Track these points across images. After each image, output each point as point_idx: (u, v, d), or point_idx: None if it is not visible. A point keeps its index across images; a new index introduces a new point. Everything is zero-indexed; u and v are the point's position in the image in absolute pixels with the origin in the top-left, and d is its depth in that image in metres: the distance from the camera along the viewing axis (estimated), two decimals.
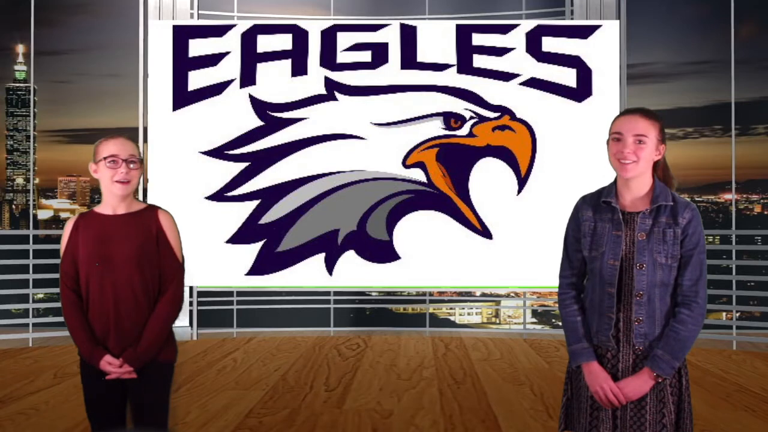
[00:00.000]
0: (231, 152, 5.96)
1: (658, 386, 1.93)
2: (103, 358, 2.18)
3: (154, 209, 2.33)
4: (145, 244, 2.24)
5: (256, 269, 5.94)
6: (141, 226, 2.26)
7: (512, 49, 5.98)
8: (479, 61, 5.99)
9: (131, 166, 2.23)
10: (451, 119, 5.94)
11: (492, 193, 5.93)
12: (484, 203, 5.93)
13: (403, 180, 5.96)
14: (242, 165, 5.95)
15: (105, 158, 2.21)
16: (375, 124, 5.97)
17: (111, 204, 2.27)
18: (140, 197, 6.20)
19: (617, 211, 1.98)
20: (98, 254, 2.20)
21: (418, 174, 5.96)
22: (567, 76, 5.90)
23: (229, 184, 5.95)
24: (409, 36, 6.04)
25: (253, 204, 5.93)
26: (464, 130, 5.94)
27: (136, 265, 2.21)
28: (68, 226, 2.28)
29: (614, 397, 1.93)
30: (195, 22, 6.65)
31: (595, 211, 2.03)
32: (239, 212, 5.94)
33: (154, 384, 2.27)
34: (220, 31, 6.09)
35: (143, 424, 2.25)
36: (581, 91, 5.87)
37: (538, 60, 5.94)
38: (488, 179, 5.93)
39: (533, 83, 5.93)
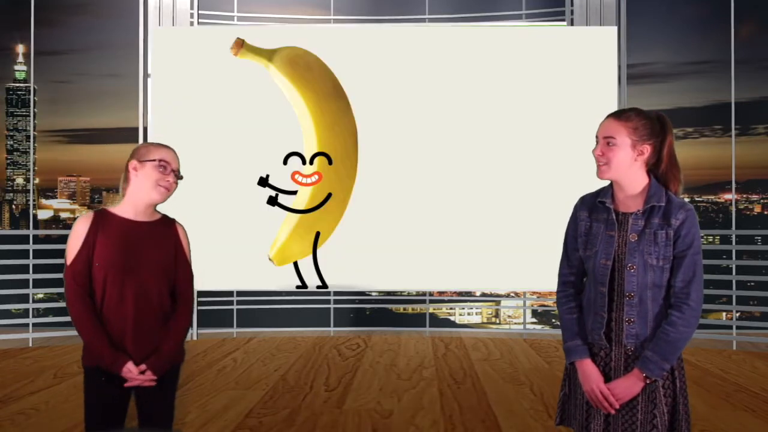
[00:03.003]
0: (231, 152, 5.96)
1: (650, 387, 1.93)
2: (125, 365, 2.14)
3: (171, 221, 2.34)
4: (166, 254, 2.25)
5: (256, 269, 5.93)
6: (162, 236, 2.26)
7: (512, 50, 5.97)
8: (478, 61, 5.99)
9: (176, 178, 2.26)
10: None
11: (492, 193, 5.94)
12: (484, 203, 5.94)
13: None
14: (242, 165, 5.94)
15: (158, 160, 2.20)
16: None
17: (135, 208, 2.23)
18: None
19: (611, 211, 1.99)
20: (124, 259, 2.16)
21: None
22: (567, 78, 5.90)
23: (229, 184, 5.94)
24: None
25: (253, 204, 5.92)
26: None
27: (159, 274, 2.22)
28: (83, 224, 2.17)
29: (604, 398, 1.94)
30: (197, 27, 6.65)
31: (591, 212, 2.04)
32: (239, 212, 5.93)
33: (166, 387, 2.27)
34: (222, 33, 6.08)
35: (153, 425, 2.24)
36: (581, 92, 5.87)
37: (538, 61, 5.94)
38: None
39: (534, 84, 5.92)
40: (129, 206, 2.23)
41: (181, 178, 2.28)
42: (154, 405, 2.26)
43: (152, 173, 2.20)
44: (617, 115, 1.99)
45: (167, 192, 2.23)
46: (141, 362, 2.17)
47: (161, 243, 2.25)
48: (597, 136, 2.01)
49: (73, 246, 2.16)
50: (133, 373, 2.14)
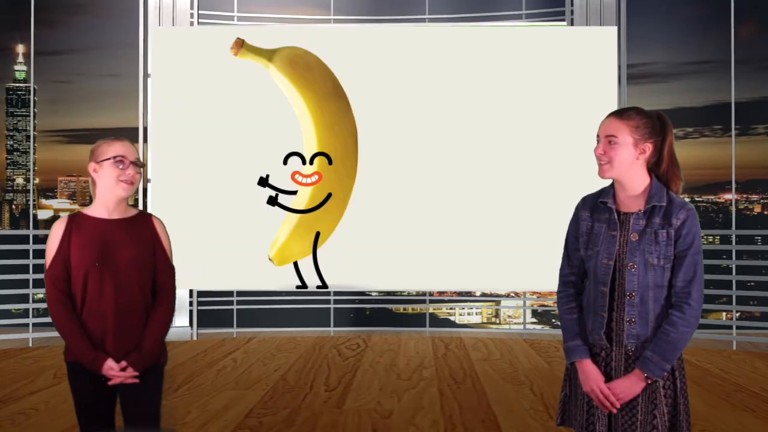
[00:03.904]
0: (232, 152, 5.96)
1: (651, 387, 1.93)
2: (105, 363, 2.17)
3: (147, 216, 2.35)
4: (144, 249, 2.26)
5: (256, 269, 5.93)
6: (139, 232, 2.27)
7: (512, 50, 5.97)
8: (478, 61, 5.99)
9: (136, 168, 2.25)
10: None
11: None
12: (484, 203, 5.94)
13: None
14: (242, 165, 5.94)
15: (113, 158, 2.21)
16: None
17: (107, 207, 2.25)
18: (140, 198, 6.21)
19: (613, 211, 1.99)
20: (99, 257, 2.19)
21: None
22: (567, 78, 5.90)
23: (229, 184, 5.94)
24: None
25: (253, 204, 5.92)
26: None
27: (138, 269, 2.23)
28: (58, 229, 2.23)
29: (605, 398, 1.94)
30: (197, 27, 6.65)
31: (593, 212, 2.04)
32: (240, 212, 5.93)
33: (150, 386, 2.27)
34: (222, 33, 6.08)
35: (137, 425, 2.25)
36: (581, 92, 5.87)
37: (538, 61, 5.93)
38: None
39: (534, 84, 5.92)
40: (100, 206, 2.26)
41: (142, 166, 2.29)
42: (138, 405, 2.27)
43: (111, 171, 2.21)
44: (619, 114, 1.99)
45: (131, 185, 2.24)
46: (123, 359, 2.19)
47: (137, 238, 2.26)
48: (598, 135, 2.01)
49: (50, 250, 2.22)
50: (113, 370, 2.17)
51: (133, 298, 2.22)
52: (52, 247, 2.22)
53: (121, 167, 2.21)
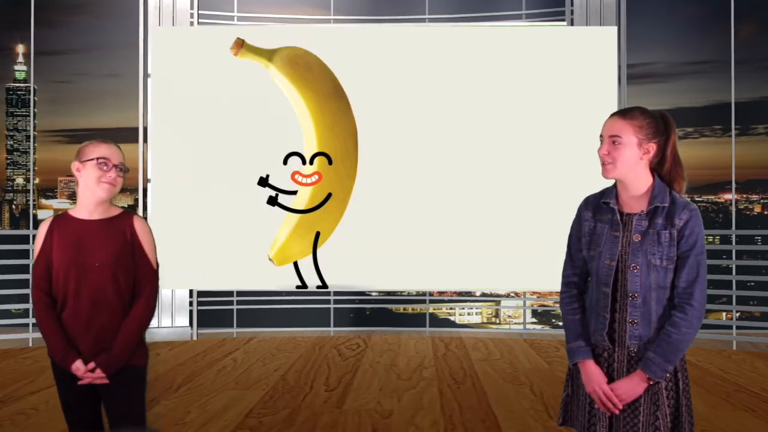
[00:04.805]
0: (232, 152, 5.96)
1: (653, 388, 1.93)
2: (74, 363, 2.20)
3: (129, 215, 2.35)
4: (121, 250, 2.26)
5: (256, 269, 5.93)
6: (116, 233, 2.27)
7: (512, 50, 5.97)
8: (478, 61, 5.98)
9: (119, 172, 2.27)
10: None
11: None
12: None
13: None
14: (242, 165, 5.94)
15: (97, 159, 2.23)
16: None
17: (87, 208, 2.27)
18: (140, 198, 6.21)
19: (615, 212, 1.98)
20: (75, 259, 2.21)
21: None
22: (567, 78, 5.90)
23: (229, 184, 5.94)
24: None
25: (253, 204, 5.92)
26: None
27: (111, 271, 2.23)
28: (43, 229, 2.27)
29: (607, 399, 1.93)
30: (197, 27, 6.65)
31: (596, 212, 2.04)
32: (240, 212, 5.93)
33: (127, 388, 2.28)
34: (222, 33, 6.07)
35: (117, 426, 2.26)
36: (581, 92, 5.87)
37: (538, 61, 5.93)
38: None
39: (534, 83, 5.92)
40: (81, 207, 2.29)
41: (126, 171, 2.30)
42: (116, 406, 2.29)
43: (93, 171, 2.23)
44: (622, 114, 1.98)
45: (112, 187, 2.26)
46: (93, 360, 2.22)
47: (115, 239, 2.26)
48: (602, 136, 2.00)
49: (35, 250, 2.28)
50: (80, 370, 2.19)
51: (108, 300, 2.23)
52: (37, 247, 2.27)
53: (104, 169, 2.23)
